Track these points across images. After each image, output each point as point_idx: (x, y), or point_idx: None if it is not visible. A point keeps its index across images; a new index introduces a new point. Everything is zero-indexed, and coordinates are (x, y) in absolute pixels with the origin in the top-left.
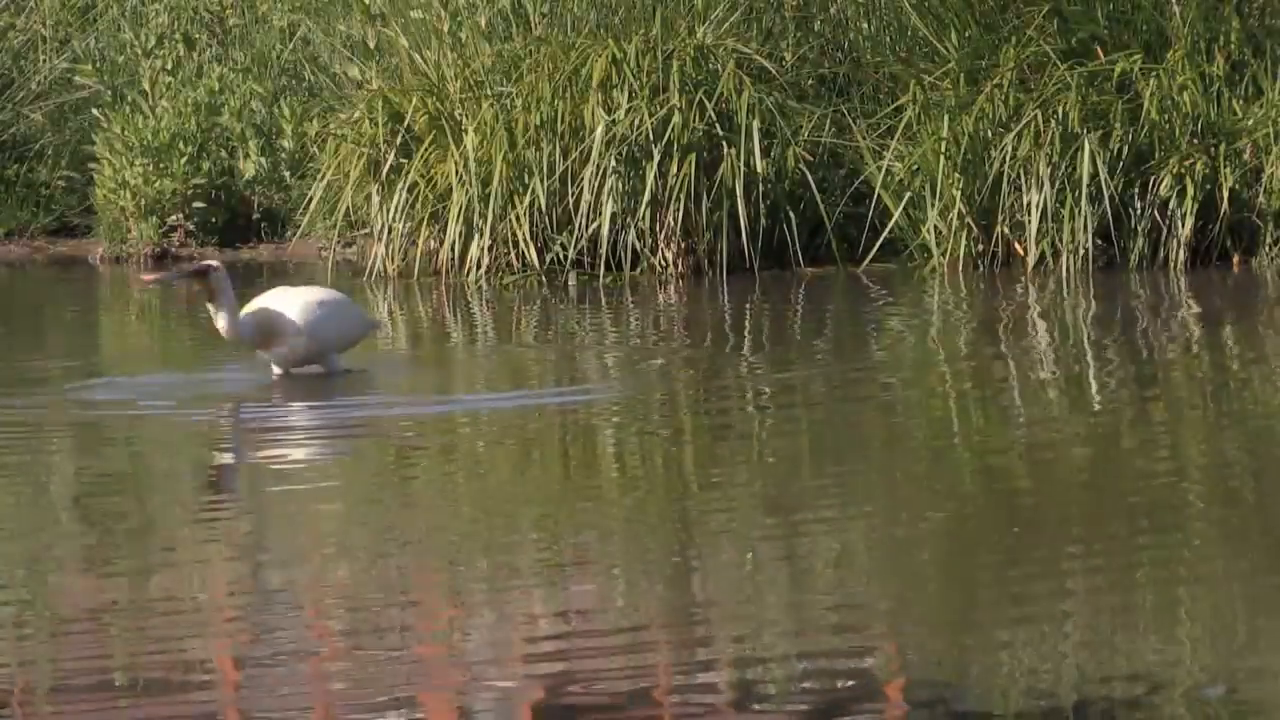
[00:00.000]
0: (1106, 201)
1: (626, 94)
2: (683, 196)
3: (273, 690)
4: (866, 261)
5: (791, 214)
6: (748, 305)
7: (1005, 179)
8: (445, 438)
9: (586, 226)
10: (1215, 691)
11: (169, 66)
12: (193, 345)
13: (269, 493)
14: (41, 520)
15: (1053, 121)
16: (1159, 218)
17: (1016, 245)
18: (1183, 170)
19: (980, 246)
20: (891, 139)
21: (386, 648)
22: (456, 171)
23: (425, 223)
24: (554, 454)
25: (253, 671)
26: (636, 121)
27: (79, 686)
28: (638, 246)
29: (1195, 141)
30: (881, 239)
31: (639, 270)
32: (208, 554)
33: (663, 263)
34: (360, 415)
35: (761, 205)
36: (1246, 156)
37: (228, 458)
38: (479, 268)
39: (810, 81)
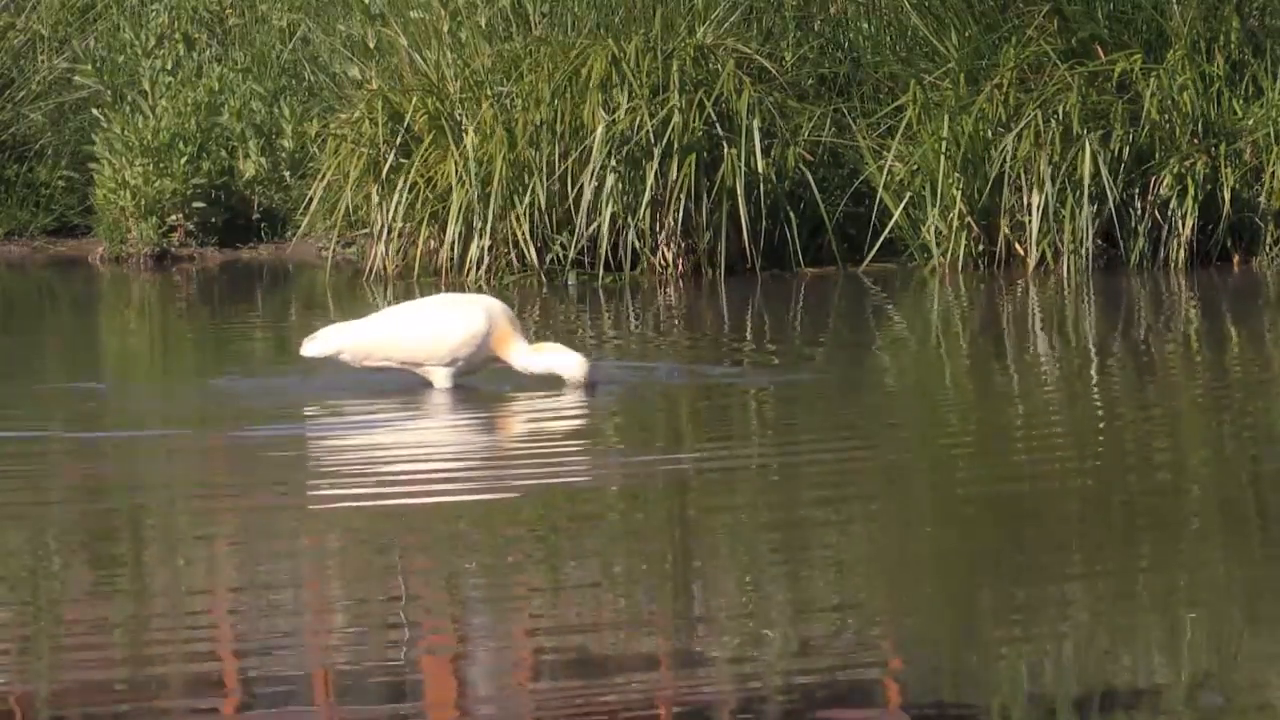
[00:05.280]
0: (1109, 201)
1: (626, 94)
2: (683, 196)
3: None
4: (866, 262)
5: (792, 214)
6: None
7: (1006, 179)
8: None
9: (586, 226)
10: (1215, 698)
11: (169, 66)
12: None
13: None
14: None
15: (1053, 121)
16: (1159, 218)
17: (1017, 245)
18: (1183, 170)
19: (980, 247)
20: (892, 139)
21: None
22: (456, 171)
23: (425, 223)
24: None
25: None
26: (636, 121)
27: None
28: (638, 246)
29: (1196, 141)
30: (881, 239)
31: (639, 270)
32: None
33: (663, 263)
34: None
35: (762, 205)
36: (1247, 156)
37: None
38: (479, 268)
39: (810, 81)
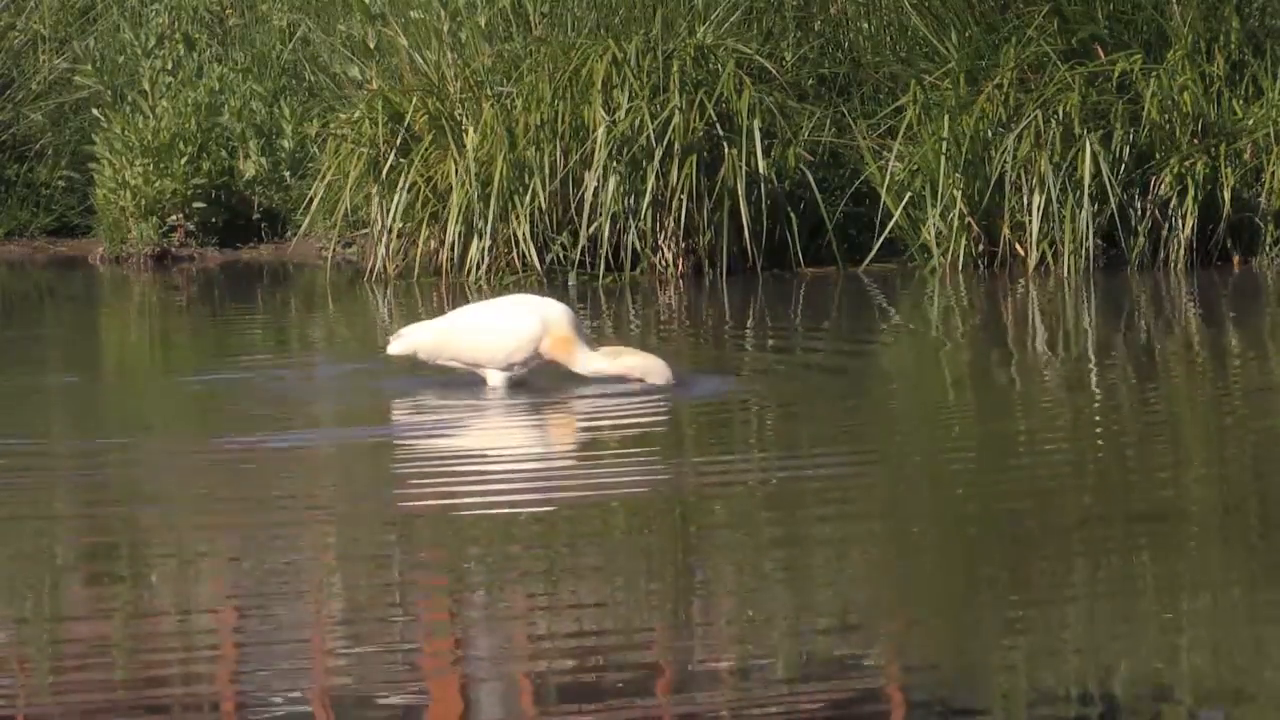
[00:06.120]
0: (1109, 201)
1: (627, 94)
2: (683, 197)
3: None
4: (867, 262)
5: (792, 214)
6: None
7: (1006, 179)
8: None
9: (587, 227)
10: (1216, 715)
11: (169, 66)
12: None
13: None
14: None
15: (1053, 122)
16: (1160, 218)
17: (1017, 245)
18: (1183, 170)
19: (981, 247)
20: (892, 139)
21: None
22: (456, 172)
23: (425, 223)
24: None
25: None
26: (637, 122)
27: None
28: (638, 247)
29: (1196, 141)
30: (882, 239)
31: (639, 271)
32: None
33: (663, 263)
34: None
35: (762, 206)
36: (1247, 156)
37: None
38: (479, 268)
39: (810, 81)
